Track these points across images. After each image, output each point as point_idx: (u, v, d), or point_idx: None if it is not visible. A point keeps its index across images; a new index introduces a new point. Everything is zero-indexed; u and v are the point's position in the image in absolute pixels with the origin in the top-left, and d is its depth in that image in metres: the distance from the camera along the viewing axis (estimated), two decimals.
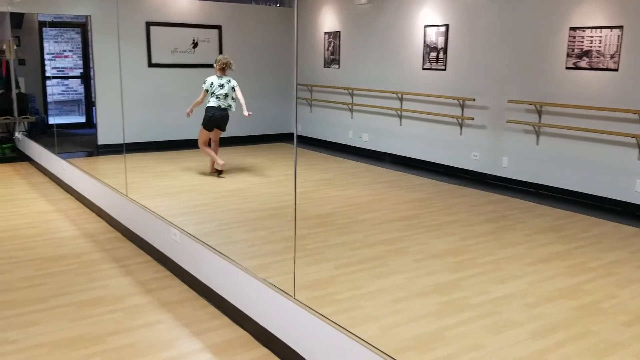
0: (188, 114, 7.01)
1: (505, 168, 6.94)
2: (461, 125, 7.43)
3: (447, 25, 7.47)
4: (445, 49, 7.51)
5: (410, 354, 2.95)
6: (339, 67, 9.26)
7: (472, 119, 7.22)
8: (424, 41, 7.79)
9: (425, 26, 7.75)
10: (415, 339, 3.09)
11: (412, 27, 7.96)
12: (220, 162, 6.91)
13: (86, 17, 9.38)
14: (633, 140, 5.67)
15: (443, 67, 7.56)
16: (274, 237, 4.92)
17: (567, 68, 6.18)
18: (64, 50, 11.34)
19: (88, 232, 5.24)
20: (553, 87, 6.33)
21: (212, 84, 6.94)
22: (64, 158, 6.95)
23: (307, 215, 5.43)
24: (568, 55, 6.16)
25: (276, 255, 4.33)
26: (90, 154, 8.93)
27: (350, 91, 9.06)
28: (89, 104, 11.20)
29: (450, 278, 3.94)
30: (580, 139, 6.16)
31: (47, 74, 10.51)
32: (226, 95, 6.94)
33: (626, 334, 3.20)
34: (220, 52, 9.47)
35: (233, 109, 7.00)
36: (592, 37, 5.93)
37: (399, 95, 8.22)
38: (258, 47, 9.82)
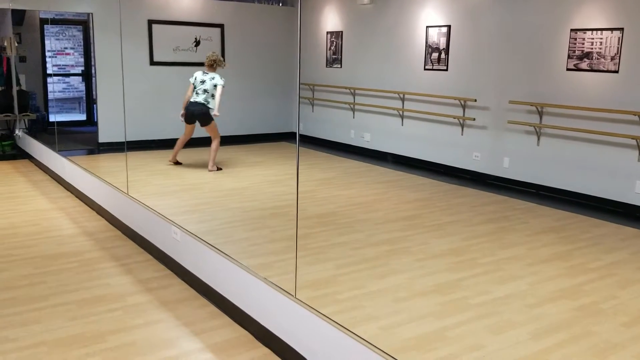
0: (181, 115, 7.25)
1: (506, 169, 6.93)
2: (462, 126, 7.43)
3: (449, 26, 7.47)
4: (447, 50, 7.51)
5: (411, 353, 2.95)
6: (341, 67, 9.26)
7: (474, 119, 7.22)
8: (426, 41, 7.79)
9: (427, 27, 7.75)
10: (416, 339, 3.09)
11: (414, 27, 7.96)
12: (173, 158, 7.45)
13: (88, 14, 9.38)
14: (633, 142, 5.67)
15: (445, 68, 7.56)
16: (275, 236, 4.93)
17: (568, 69, 6.18)
18: (66, 48, 11.34)
19: (88, 230, 5.24)
20: (554, 88, 6.33)
21: (196, 78, 7.16)
22: (64, 156, 6.95)
23: (309, 214, 5.43)
24: (569, 57, 6.16)
25: (277, 255, 4.33)
26: (91, 152, 8.94)
27: (352, 91, 9.06)
28: (90, 102, 11.20)
29: (451, 278, 3.94)
30: (581, 140, 6.16)
31: (48, 72, 10.51)
32: (205, 91, 7.07)
33: (626, 335, 3.21)
34: (223, 51, 9.49)
35: (210, 105, 7.11)
36: (592, 39, 5.93)
37: (401, 95, 8.22)
38: (260, 46, 9.82)
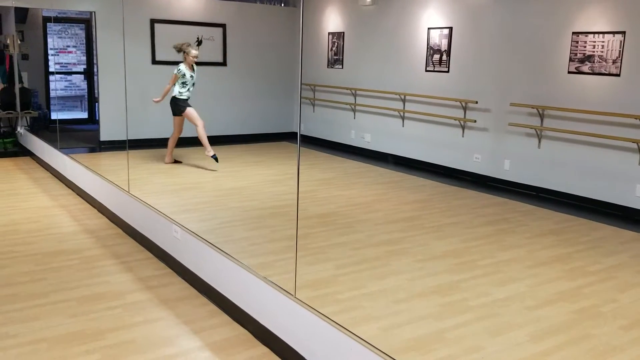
0: (156, 101, 7.44)
1: (506, 171, 6.94)
2: (463, 128, 7.43)
3: (450, 28, 7.47)
4: (448, 51, 7.52)
5: (410, 354, 2.96)
6: (342, 68, 9.27)
7: (475, 121, 7.22)
8: (428, 43, 7.80)
9: (429, 28, 7.76)
10: (415, 340, 3.09)
11: (415, 29, 7.96)
12: (169, 158, 7.56)
13: (90, 13, 9.40)
14: (634, 145, 5.68)
15: (446, 69, 7.57)
16: (276, 235, 4.93)
17: (570, 72, 6.18)
18: (68, 46, 11.35)
19: (89, 228, 5.25)
20: (555, 91, 6.33)
21: (184, 74, 7.28)
22: (66, 153, 6.97)
23: (309, 214, 5.44)
24: (570, 60, 6.16)
25: (277, 254, 4.33)
26: (93, 150, 8.95)
27: (353, 91, 9.07)
28: (92, 100, 11.21)
29: (451, 279, 3.94)
30: (582, 143, 6.17)
31: (51, 69, 10.52)
32: (193, 85, 7.42)
33: (625, 338, 3.21)
34: (225, 51, 9.50)
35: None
36: (594, 42, 5.94)
37: (402, 97, 8.23)
38: (262, 46, 9.83)
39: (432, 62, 7.76)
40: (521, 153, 6.76)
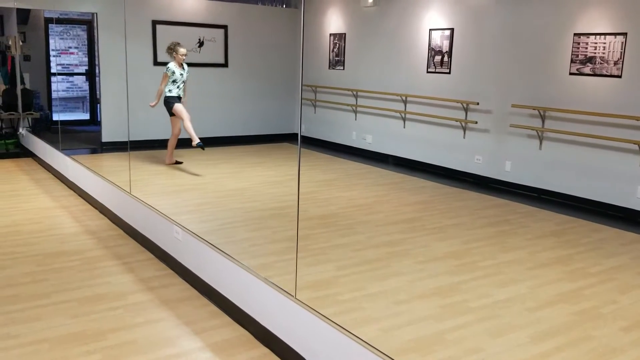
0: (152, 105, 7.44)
1: (507, 172, 6.94)
2: (464, 129, 7.44)
3: (452, 29, 7.48)
4: (449, 53, 7.52)
5: (410, 356, 2.96)
6: (343, 69, 9.28)
7: (476, 122, 7.23)
8: (429, 44, 7.81)
9: (431, 29, 7.76)
10: (415, 341, 3.10)
11: (417, 30, 7.97)
12: (169, 159, 7.57)
13: (92, 14, 9.40)
14: (635, 147, 5.68)
15: (447, 71, 7.57)
16: (276, 236, 4.94)
17: (571, 74, 6.19)
18: (70, 47, 11.37)
19: (91, 228, 5.26)
20: (557, 92, 6.33)
21: (174, 72, 7.28)
22: (67, 154, 6.98)
23: (310, 215, 5.44)
24: (572, 61, 6.17)
25: (278, 255, 4.34)
26: (94, 151, 8.96)
27: (354, 93, 9.07)
28: (94, 101, 11.23)
29: (452, 281, 3.95)
30: (583, 145, 6.17)
31: (52, 71, 10.54)
32: (183, 83, 7.45)
33: (625, 340, 3.21)
34: (226, 52, 9.51)
35: (181, 95, 7.40)
36: (596, 43, 5.94)
37: (403, 98, 8.24)
38: (263, 47, 9.84)
39: (434, 64, 7.76)
40: (522, 154, 6.77)
